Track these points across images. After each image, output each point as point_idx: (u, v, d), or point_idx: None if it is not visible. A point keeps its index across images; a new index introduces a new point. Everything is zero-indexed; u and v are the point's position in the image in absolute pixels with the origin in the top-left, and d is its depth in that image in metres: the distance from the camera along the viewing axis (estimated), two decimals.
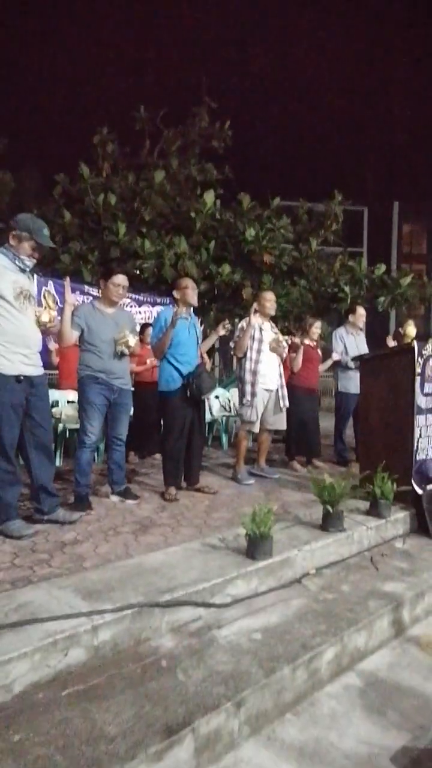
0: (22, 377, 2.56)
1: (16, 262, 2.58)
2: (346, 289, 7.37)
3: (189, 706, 1.52)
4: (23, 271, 2.63)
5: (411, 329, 5.13)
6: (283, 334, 4.69)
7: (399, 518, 3.22)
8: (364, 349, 4.88)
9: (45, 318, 2.68)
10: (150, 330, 5.12)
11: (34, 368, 2.65)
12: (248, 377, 3.99)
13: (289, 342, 4.60)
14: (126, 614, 1.83)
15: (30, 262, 2.63)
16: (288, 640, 1.91)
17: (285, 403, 4.14)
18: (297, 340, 4.67)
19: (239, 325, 4.13)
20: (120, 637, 1.81)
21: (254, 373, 3.98)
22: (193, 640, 1.89)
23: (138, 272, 6.53)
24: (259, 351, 4.01)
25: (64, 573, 2.18)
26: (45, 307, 2.88)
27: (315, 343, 4.86)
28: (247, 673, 1.70)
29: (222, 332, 3.85)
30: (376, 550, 2.90)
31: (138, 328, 4.00)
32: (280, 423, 4.24)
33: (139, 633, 1.87)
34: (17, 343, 2.54)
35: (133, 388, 3.56)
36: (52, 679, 1.61)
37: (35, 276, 2.86)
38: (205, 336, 4.27)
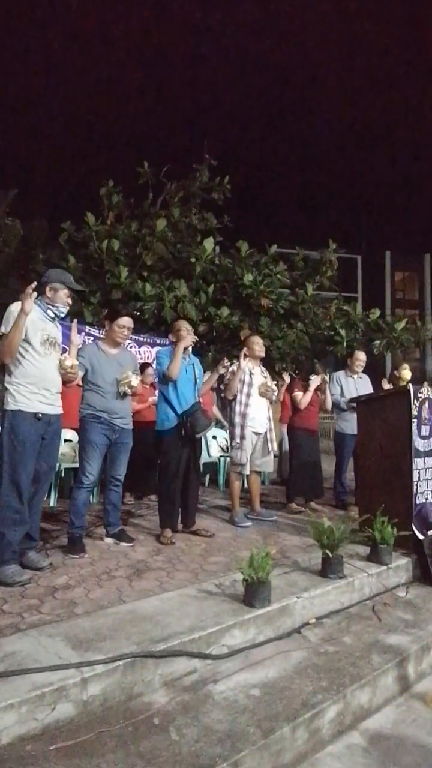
0: (40, 415, 2.67)
1: (48, 312, 2.81)
2: (342, 332, 7.50)
3: (183, 767, 1.42)
4: (54, 320, 2.84)
5: (406, 372, 5.19)
6: (280, 375, 4.73)
7: (401, 565, 3.13)
8: (365, 392, 4.89)
9: (68, 363, 2.85)
10: (150, 369, 5.19)
11: (52, 407, 2.76)
12: (238, 420, 4.02)
13: (282, 384, 4.62)
14: (117, 666, 1.75)
15: (65, 308, 2.86)
16: (288, 697, 1.81)
17: (273, 446, 4.15)
18: (312, 381, 4.70)
19: (230, 369, 4.17)
20: (110, 692, 1.72)
21: (243, 416, 4.00)
22: (187, 695, 1.80)
23: (138, 314, 6.65)
24: (248, 394, 4.04)
25: (54, 620, 2.09)
26: (69, 353, 3.00)
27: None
28: (244, 732, 1.60)
29: (222, 371, 3.90)
30: (377, 598, 2.81)
31: (138, 368, 4.03)
32: (267, 465, 4.25)
33: (131, 687, 1.77)
34: (38, 385, 2.68)
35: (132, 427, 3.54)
36: (40, 733, 1.52)
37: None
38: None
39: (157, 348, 6.79)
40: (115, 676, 1.74)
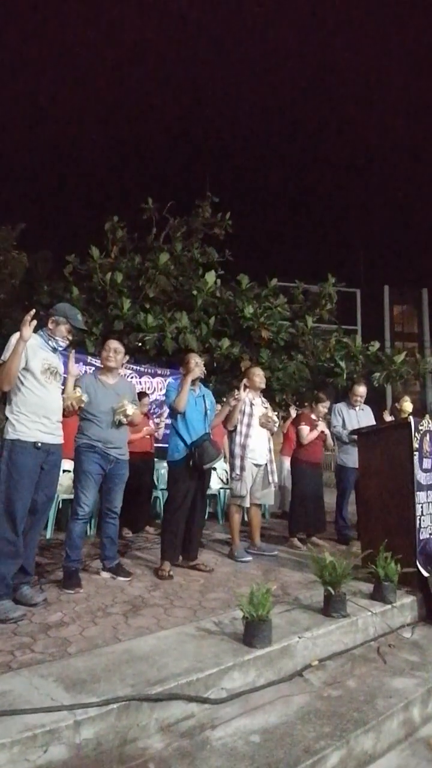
0: (39, 444, 2.65)
1: (50, 343, 2.86)
2: (342, 364, 7.55)
3: None
4: (54, 350, 2.89)
5: (407, 405, 5.18)
6: (281, 406, 4.73)
7: (405, 604, 3.04)
8: (367, 423, 4.86)
9: (85, 398, 3.01)
10: (146, 399, 5.20)
11: (52, 436, 2.74)
12: (238, 451, 3.99)
13: (288, 418, 4.59)
14: (111, 708, 1.68)
15: (63, 343, 2.91)
16: (289, 744, 1.73)
17: (274, 478, 4.10)
18: (313, 415, 4.70)
19: (230, 399, 4.18)
20: (104, 736, 1.64)
21: (243, 447, 3.98)
22: (184, 741, 1.72)
23: (140, 344, 6.71)
24: (249, 425, 4.02)
25: (47, 659, 2.02)
26: (67, 384, 3.06)
27: (318, 417, 4.88)
28: None
29: (233, 403, 3.92)
30: (382, 639, 2.72)
31: (136, 398, 4.04)
32: (268, 498, 4.19)
33: (126, 731, 1.70)
34: (38, 413, 2.68)
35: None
36: None
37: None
38: None
39: (158, 378, 6.83)
40: (109, 720, 1.67)
